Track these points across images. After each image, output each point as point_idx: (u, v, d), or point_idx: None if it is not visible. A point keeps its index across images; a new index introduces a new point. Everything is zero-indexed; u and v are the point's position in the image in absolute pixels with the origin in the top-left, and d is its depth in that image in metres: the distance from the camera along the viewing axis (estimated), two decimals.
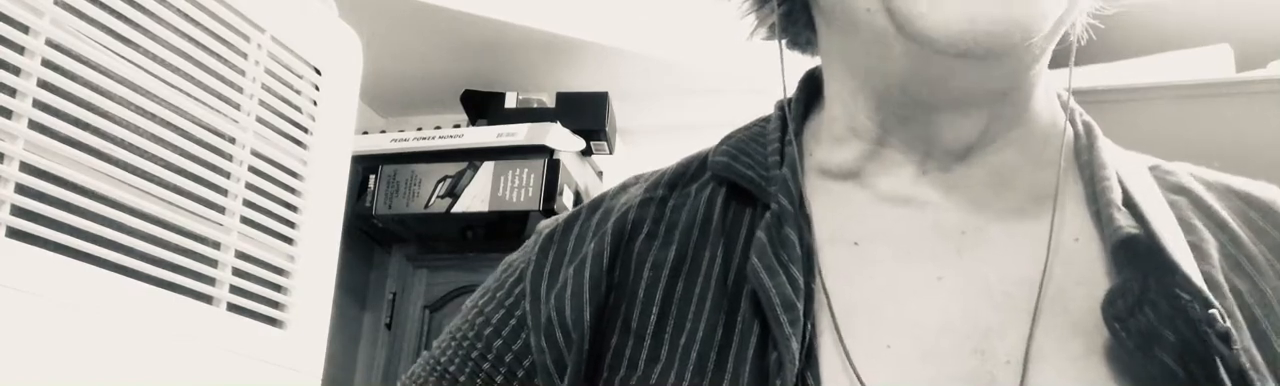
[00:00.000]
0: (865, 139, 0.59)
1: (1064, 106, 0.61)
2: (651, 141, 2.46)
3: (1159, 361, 0.49)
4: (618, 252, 0.59)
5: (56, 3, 0.88)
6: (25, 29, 0.85)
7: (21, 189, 0.84)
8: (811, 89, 0.63)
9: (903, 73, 0.54)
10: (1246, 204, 0.59)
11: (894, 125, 0.57)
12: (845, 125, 0.59)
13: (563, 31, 2.17)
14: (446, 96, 2.37)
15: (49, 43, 0.87)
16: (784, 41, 0.62)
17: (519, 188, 2.13)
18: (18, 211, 0.84)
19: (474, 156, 2.18)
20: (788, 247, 0.54)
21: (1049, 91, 0.60)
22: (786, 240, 0.54)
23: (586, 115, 2.27)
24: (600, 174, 2.42)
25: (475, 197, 2.14)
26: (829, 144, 0.60)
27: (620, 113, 2.39)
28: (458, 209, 2.15)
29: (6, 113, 0.84)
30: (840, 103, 0.60)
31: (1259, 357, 0.50)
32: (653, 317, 0.56)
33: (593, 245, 0.59)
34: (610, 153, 2.36)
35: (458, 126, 2.29)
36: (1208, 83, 1.65)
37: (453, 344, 0.63)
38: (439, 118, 2.47)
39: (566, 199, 2.16)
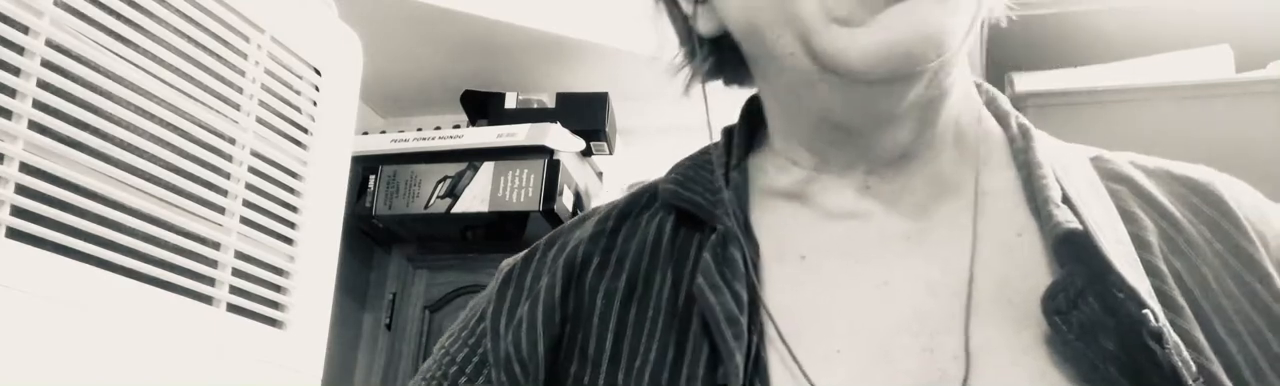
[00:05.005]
0: (805, 167, 0.61)
1: (1000, 111, 0.63)
2: (651, 141, 2.45)
3: (1102, 349, 0.51)
4: (570, 285, 0.61)
5: (56, 3, 0.88)
6: (25, 29, 0.85)
7: (21, 189, 0.84)
8: (755, 115, 0.66)
9: (830, 106, 0.57)
10: (1186, 188, 0.61)
11: (830, 152, 0.60)
12: (785, 157, 0.62)
13: (563, 31, 2.17)
14: (446, 97, 2.36)
15: (49, 43, 0.87)
16: (725, 80, 0.66)
17: (519, 188, 2.13)
18: (18, 211, 0.84)
19: (474, 157, 2.17)
20: (731, 266, 0.56)
21: (969, 96, 0.62)
22: (731, 259, 0.56)
23: (586, 115, 2.27)
24: (600, 174, 2.42)
25: (475, 198, 2.14)
26: (772, 170, 0.63)
27: (620, 113, 2.38)
28: (458, 209, 2.14)
29: (6, 113, 0.84)
30: (778, 135, 0.63)
31: (1203, 340, 0.52)
32: (608, 344, 0.58)
33: (546, 280, 0.62)
34: (610, 153, 2.36)
35: (458, 127, 2.29)
36: (1208, 83, 1.65)
37: (423, 384, 0.65)
38: (439, 118, 2.47)
39: (566, 199, 2.15)
